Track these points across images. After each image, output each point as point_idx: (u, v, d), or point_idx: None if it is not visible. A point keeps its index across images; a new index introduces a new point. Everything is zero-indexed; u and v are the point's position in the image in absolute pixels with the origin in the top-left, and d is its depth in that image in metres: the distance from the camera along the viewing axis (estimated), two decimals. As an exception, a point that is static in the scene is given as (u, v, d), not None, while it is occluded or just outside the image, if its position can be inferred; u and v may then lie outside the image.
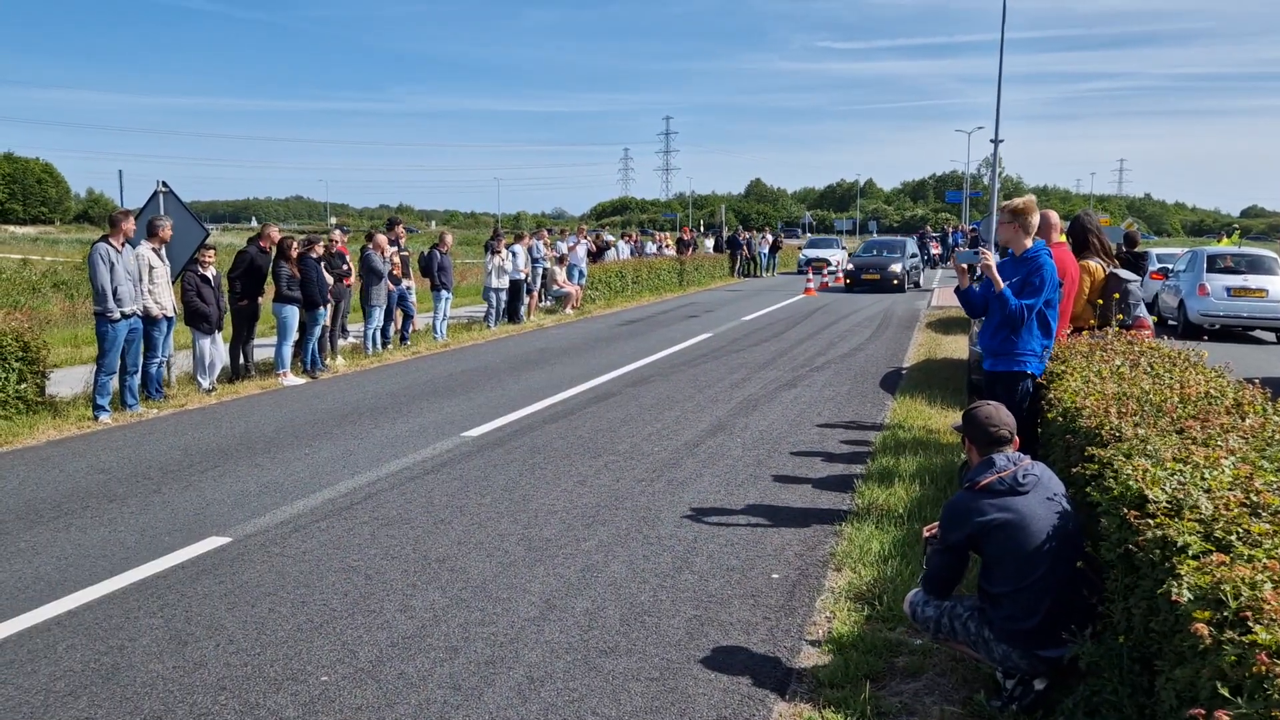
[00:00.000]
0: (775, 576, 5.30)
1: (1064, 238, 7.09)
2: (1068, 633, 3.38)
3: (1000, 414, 3.88)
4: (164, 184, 11.31)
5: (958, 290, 6.04)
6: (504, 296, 18.23)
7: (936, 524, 4.01)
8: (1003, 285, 5.63)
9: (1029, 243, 5.73)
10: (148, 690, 3.99)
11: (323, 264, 12.47)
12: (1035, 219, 5.82)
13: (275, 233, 12.31)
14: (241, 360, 12.03)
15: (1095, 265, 7.28)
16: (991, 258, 5.74)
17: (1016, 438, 3.90)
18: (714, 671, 4.15)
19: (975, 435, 3.87)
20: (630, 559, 5.55)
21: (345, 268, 13.58)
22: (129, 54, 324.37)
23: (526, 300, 19.27)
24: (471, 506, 6.59)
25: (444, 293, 16.29)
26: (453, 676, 4.09)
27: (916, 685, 4.00)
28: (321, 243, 12.88)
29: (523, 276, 18.83)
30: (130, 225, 9.66)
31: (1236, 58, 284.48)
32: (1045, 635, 3.53)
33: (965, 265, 6.00)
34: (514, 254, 18.54)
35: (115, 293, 9.36)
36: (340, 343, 13.99)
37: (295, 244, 12.03)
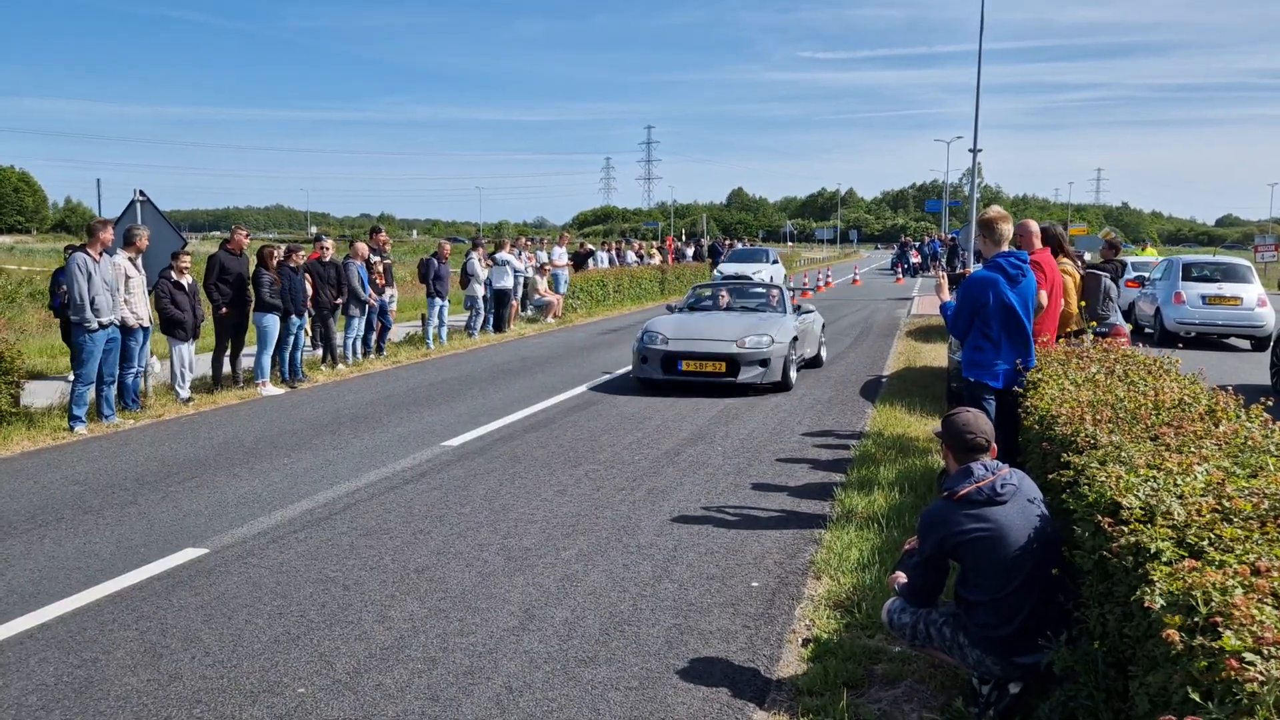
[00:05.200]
0: (755, 584, 5.30)
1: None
2: (1043, 639, 3.39)
3: (978, 421, 3.88)
4: (141, 193, 11.24)
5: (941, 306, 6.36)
6: (486, 305, 18.18)
7: (899, 571, 4.06)
8: (945, 300, 6.27)
9: (1001, 249, 5.96)
10: (121, 704, 3.95)
11: (304, 273, 12.42)
12: (1003, 228, 5.98)
13: (242, 237, 12.23)
14: (227, 370, 11.94)
15: (1071, 268, 7.44)
16: (945, 280, 6.51)
17: (994, 446, 3.91)
18: (693, 680, 4.15)
19: (952, 442, 3.87)
20: (610, 568, 5.54)
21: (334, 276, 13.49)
22: (108, 62, 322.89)
23: (509, 309, 19.24)
24: (451, 516, 6.56)
25: (440, 300, 16.32)
26: (431, 687, 4.07)
27: (895, 692, 4.01)
28: (302, 251, 12.82)
29: (509, 285, 18.81)
30: (108, 235, 9.58)
31: (1213, 69, 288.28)
32: (1020, 642, 3.55)
33: (945, 280, 6.58)
34: (507, 261, 18.54)
35: (93, 303, 9.28)
36: (321, 351, 13.91)
37: (276, 252, 11.97)
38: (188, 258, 11.06)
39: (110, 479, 7.62)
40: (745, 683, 4.14)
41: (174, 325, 10.71)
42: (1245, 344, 17.93)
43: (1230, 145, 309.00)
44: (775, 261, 32.53)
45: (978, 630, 3.64)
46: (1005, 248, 5.97)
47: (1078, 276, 7.46)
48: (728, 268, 30.01)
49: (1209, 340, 18.01)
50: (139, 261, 10.17)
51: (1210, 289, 17.52)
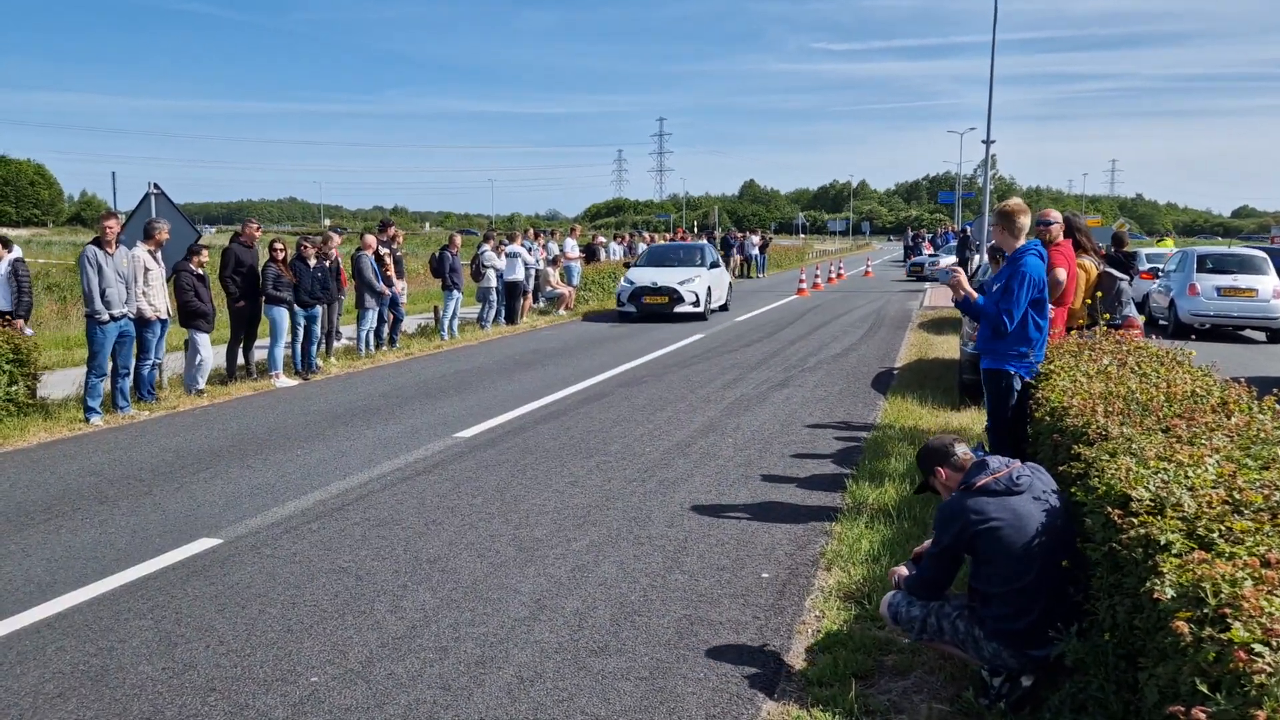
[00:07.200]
0: (765, 576, 5.31)
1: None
2: (1055, 630, 3.39)
3: (943, 436, 4.11)
4: (156, 185, 11.30)
5: (955, 301, 6.16)
6: (498, 297, 18.22)
7: (901, 565, 4.14)
8: (976, 296, 5.87)
9: (1020, 242, 5.82)
10: (137, 692, 3.99)
11: (320, 265, 12.45)
12: (1024, 220, 5.90)
13: (255, 229, 12.29)
14: (241, 362, 12.01)
15: (1089, 264, 7.39)
16: (963, 274, 5.97)
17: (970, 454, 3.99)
18: (703, 671, 4.17)
19: (938, 457, 3.99)
20: (621, 559, 5.56)
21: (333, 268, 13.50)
22: (123, 56, 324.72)
23: (521, 301, 19.27)
24: (463, 507, 6.59)
25: (455, 292, 16.42)
26: (443, 677, 4.10)
27: (905, 683, 4.01)
28: (316, 244, 12.87)
29: (520, 277, 18.83)
30: (109, 225, 9.54)
31: (1229, 58, 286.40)
32: (1037, 634, 3.55)
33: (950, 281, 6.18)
34: (517, 254, 18.57)
35: (104, 295, 9.35)
36: (334, 344, 13.97)
37: (283, 246, 12.01)
38: (205, 252, 11.14)
39: (126, 470, 7.68)
40: (755, 673, 4.15)
41: (196, 317, 10.77)
42: (1261, 336, 17.82)
43: (1247, 136, 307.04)
44: (715, 265, 21.99)
45: (994, 623, 3.63)
46: (1023, 240, 5.90)
47: (1094, 273, 7.42)
48: (641, 274, 20.33)
49: (1224, 332, 17.91)
50: (158, 254, 10.25)
51: (1225, 280, 17.41)
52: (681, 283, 19.49)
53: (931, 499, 6.12)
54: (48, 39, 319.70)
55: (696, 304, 19.41)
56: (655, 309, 19.40)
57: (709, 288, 19.96)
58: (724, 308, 21.92)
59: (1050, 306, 6.18)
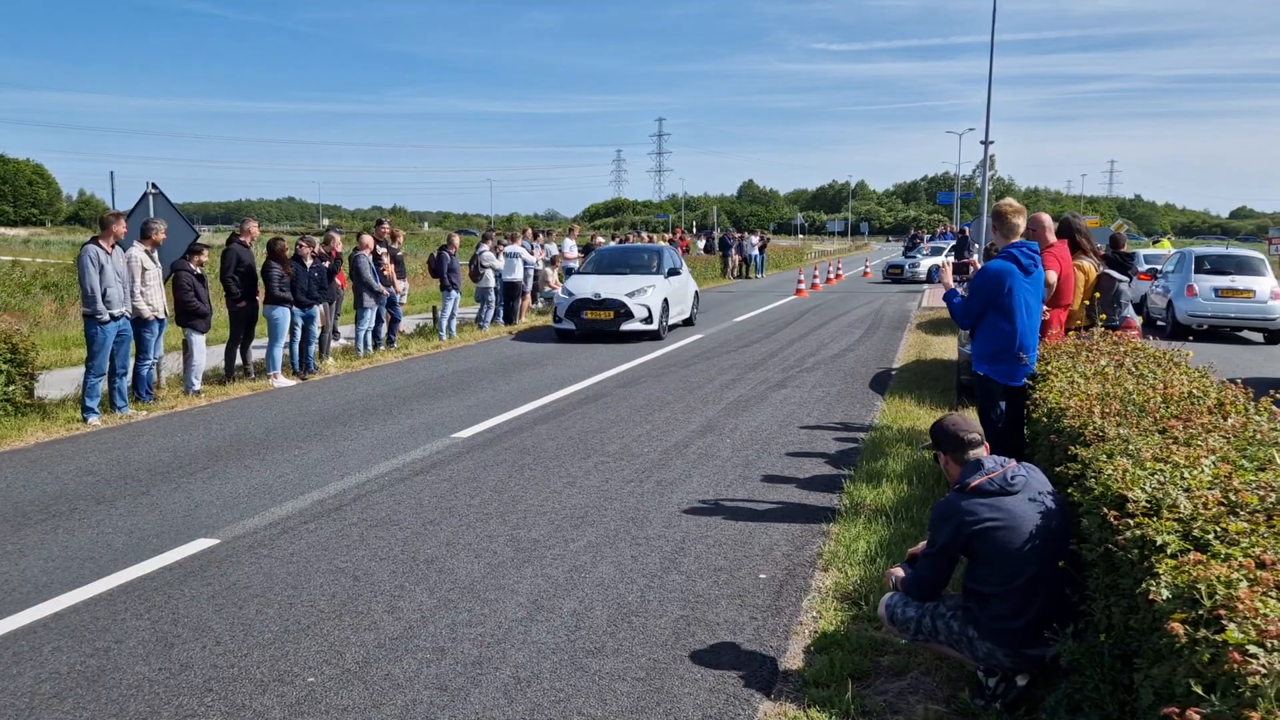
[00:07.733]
0: (763, 576, 5.31)
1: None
2: (1050, 631, 3.39)
3: (967, 420, 3.97)
4: (153, 185, 11.29)
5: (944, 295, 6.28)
6: (496, 297, 18.21)
7: (897, 566, 4.12)
8: (950, 286, 6.16)
9: (1011, 243, 5.91)
10: (134, 692, 3.99)
11: (317, 265, 12.44)
12: (1016, 221, 5.94)
13: (254, 228, 12.30)
14: (239, 362, 12.00)
15: (1088, 265, 7.40)
16: (948, 269, 6.32)
17: (986, 443, 3.95)
18: (700, 671, 4.17)
19: (949, 442, 3.91)
20: (618, 560, 5.56)
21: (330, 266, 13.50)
22: (121, 56, 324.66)
23: (520, 301, 19.27)
24: (460, 507, 6.59)
25: (453, 293, 16.46)
26: (439, 677, 4.10)
27: (901, 684, 4.02)
28: (317, 244, 12.86)
29: (519, 277, 18.83)
30: (120, 227, 9.62)
31: (1229, 59, 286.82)
32: (1032, 634, 3.55)
33: (949, 268, 6.44)
34: (516, 254, 18.55)
35: (104, 294, 9.34)
36: (332, 344, 13.97)
37: (285, 245, 12.01)
38: (207, 251, 11.15)
39: (123, 470, 7.68)
40: (752, 674, 4.15)
41: (194, 316, 10.76)
42: (1258, 337, 17.83)
43: (1246, 136, 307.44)
44: (675, 271, 18.12)
45: (990, 623, 3.63)
46: (1014, 240, 5.94)
47: (1093, 274, 7.43)
48: (582, 284, 16.88)
49: (1221, 333, 17.92)
50: (155, 254, 10.24)
51: (1223, 281, 17.43)
52: (630, 294, 16.23)
53: (929, 499, 6.14)
54: (48, 39, 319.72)
55: (649, 320, 16.27)
56: (598, 326, 16.20)
57: (665, 300, 16.72)
58: (688, 322, 18.67)
59: (1045, 309, 6.25)
